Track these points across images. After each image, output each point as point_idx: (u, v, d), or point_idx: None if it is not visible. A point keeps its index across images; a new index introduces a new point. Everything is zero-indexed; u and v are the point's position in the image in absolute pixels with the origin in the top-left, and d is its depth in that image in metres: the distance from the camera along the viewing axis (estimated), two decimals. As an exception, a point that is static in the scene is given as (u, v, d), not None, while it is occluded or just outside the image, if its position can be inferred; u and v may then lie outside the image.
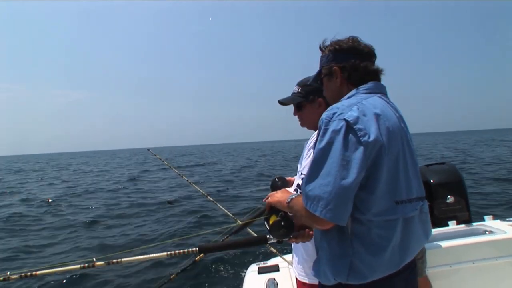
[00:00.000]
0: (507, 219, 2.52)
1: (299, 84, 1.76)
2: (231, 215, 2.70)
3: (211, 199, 2.89)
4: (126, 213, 9.96)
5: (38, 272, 1.45)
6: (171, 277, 2.40)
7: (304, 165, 1.53)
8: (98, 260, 1.45)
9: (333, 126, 1.11)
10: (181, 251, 1.42)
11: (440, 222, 2.59)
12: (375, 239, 1.11)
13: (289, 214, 1.35)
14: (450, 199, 2.61)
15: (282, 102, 1.76)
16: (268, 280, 2.28)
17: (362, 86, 1.28)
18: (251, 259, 5.35)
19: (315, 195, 1.08)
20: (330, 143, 1.09)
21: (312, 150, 1.48)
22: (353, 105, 1.15)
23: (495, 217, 2.57)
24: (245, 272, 2.64)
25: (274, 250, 2.62)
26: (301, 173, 1.54)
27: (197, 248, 1.39)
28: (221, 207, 2.81)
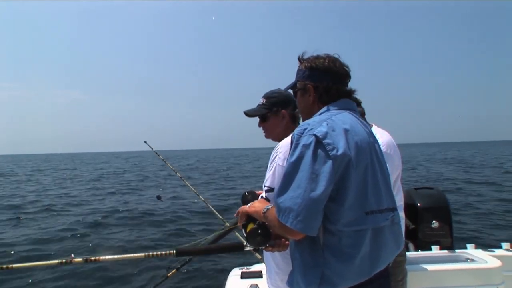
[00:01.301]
0: (489, 249, 2.57)
1: (264, 96, 1.80)
2: (220, 217, 2.71)
3: (202, 199, 2.91)
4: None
5: (14, 266, 1.43)
6: None
7: (267, 177, 1.55)
8: (76, 256, 1.47)
9: (303, 141, 1.16)
10: (159, 253, 1.44)
11: (424, 245, 2.64)
12: (345, 248, 1.15)
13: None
14: (435, 224, 2.67)
15: (247, 114, 1.80)
16: (251, 286, 2.29)
17: (333, 103, 1.34)
18: (233, 264, 5.33)
19: (286, 206, 1.13)
20: (300, 157, 1.15)
21: (274, 163, 1.51)
22: (323, 121, 1.21)
23: (477, 246, 2.62)
24: (227, 276, 2.65)
25: (259, 256, 2.64)
26: (264, 185, 1.56)
27: (174, 251, 1.41)
28: (212, 208, 2.82)
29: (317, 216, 1.13)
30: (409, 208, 2.71)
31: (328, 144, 1.14)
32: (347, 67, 1.39)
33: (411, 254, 2.51)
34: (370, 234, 1.19)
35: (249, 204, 1.47)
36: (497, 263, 2.28)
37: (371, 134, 1.33)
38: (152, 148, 3.35)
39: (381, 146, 2.21)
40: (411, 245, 2.71)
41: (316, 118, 1.26)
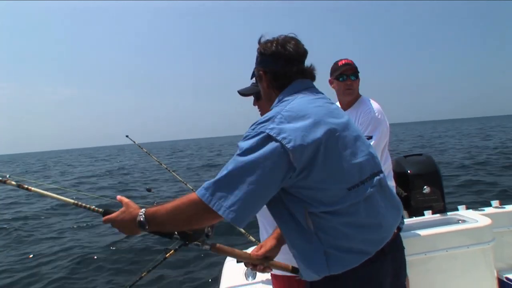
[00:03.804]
0: (479, 208, 2.61)
1: None
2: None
3: (190, 187, 2.85)
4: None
5: None
6: (142, 274, 2.36)
7: None
8: (12, 179, 1.49)
9: (255, 138, 1.11)
10: (87, 205, 1.42)
11: (417, 211, 2.66)
12: (337, 226, 1.13)
13: None
14: (426, 189, 2.69)
15: (242, 93, 1.77)
16: (247, 269, 2.28)
17: (284, 91, 1.30)
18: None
19: (222, 194, 1.07)
20: (251, 153, 1.08)
21: None
22: (276, 115, 1.15)
23: (468, 206, 2.66)
24: (224, 261, 2.63)
25: (253, 239, 2.61)
26: None
27: (102, 210, 1.36)
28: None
29: (253, 211, 1.10)
30: (400, 176, 2.71)
31: (284, 138, 1.08)
32: (299, 48, 1.32)
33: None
34: (360, 204, 1.15)
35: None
36: (487, 221, 2.32)
37: (333, 109, 1.27)
38: (134, 142, 3.30)
39: (374, 113, 2.19)
40: (405, 213, 2.72)
41: (269, 113, 1.19)
